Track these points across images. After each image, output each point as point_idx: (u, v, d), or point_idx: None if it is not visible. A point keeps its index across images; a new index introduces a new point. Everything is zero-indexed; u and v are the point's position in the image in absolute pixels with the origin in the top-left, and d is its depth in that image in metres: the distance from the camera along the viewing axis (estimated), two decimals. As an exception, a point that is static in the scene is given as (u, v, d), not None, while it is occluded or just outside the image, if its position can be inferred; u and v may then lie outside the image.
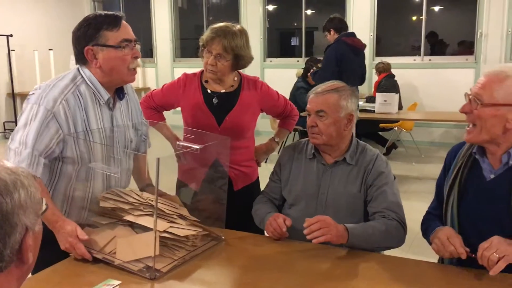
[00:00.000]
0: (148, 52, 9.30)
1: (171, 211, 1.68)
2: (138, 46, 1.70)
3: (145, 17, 9.04)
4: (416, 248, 1.68)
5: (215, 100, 2.17)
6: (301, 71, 6.45)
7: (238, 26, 2.15)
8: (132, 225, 1.64)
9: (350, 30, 5.06)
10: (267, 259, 1.63)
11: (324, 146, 1.91)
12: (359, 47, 5.19)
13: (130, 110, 1.86)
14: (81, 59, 1.67)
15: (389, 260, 1.64)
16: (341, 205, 1.86)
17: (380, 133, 6.55)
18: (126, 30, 1.67)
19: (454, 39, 7.82)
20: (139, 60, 1.70)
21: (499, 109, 1.47)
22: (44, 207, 0.85)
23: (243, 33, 2.14)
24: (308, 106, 1.90)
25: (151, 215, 1.61)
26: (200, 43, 2.16)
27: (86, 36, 1.62)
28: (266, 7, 8.23)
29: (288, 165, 1.99)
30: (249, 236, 1.85)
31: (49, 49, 7.77)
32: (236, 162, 2.20)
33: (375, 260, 1.61)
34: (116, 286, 1.42)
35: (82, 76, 1.68)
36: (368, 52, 7.33)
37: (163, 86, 2.31)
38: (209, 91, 2.19)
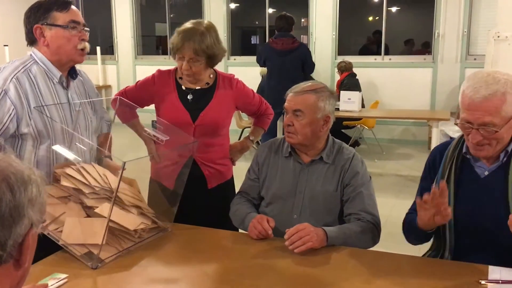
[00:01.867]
0: (108, 49, 9.10)
1: (128, 201, 1.70)
2: (86, 31, 1.81)
3: (106, 14, 8.84)
4: (382, 242, 1.76)
5: (190, 97, 2.16)
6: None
7: (205, 23, 2.11)
8: (83, 204, 1.65)
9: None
10: (212, 250, 1.70)
11: (299, 146, 1.92)
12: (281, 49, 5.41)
13: (86, 91, 1.97)
14: (30, 38, 1.79)
15: (362, 254, 1.70)
16: (318, 204, 1.89)
17: (343, 130, 6.68)
18: (75, 13, 1.79)
19: (413, 39, 8.05)
20: (87, 43, 1.81)
21: (510, 123, 1.49)
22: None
23: (211, 30, 2.10)
24: (286, 104, 1.90)
25: (108, 199, 1.64)
26: (170, 47, 2.13)
27: (36, 16, 1.74)
28: (229, 5, 8.22)
29: (265, 163, 2.00)
30: (197, 229, 1.90)
31: (4, 45, 7.48)
32: (210, 160, 2.19)
33: (348, 254, 1.66)
34: (63, 279, 1.43)
35: (34, 58, 1.77)
36: (331, 51, 7.48)
37: (137, 82, 2.29)
38: (183, 87, 2.18)
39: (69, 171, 1.68)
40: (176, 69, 2.21)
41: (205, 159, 2.16)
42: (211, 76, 2.21)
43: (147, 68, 2.03)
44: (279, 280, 1.49)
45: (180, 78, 2.19)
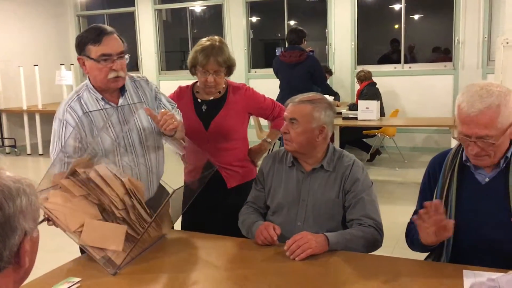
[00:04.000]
0: (134, 65, 9.36)
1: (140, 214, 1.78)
2: (120, 60, 1.90)
3: (130, 31, 9.11)
4: (400, 250, 1.77)
5: (204, 107, 2.37)
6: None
7: (217, 38, 2.35)
8: (100, 206, 1.73)
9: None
10: (218, 257, 1.79)
11: (297, 154, 1.99)
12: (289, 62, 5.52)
13: (143, 101, 2.07)
14: (80, 65, 1.96)
15: (362, 258, 1.74)
16: (321, 211, 1.94)
17: (364, 139, 6.69)
18: (107, 45, 1.88)
19: (433, 46, 8.02)
20: (120, 72, 1.91)
21: (506, 133, 1.53)
22: (41, 217, 0.93)
23: (224, 43, 2.35)
24: (284, 113, 2.01)
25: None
26: (190, 65, 2.34)
27: (78, 48, 1.92)
28: (250, 18, 8.36)
29: (270, 173, 2.07)
30: (205, 236, 1.99)
31: (34, 65, 7.79)
32: (226, 162, 2.35)
33: (348, 258, 1.71)
34: (77, 283, 1.52)
35: (86, 84, 1.99)
36: (350, 61, 7.51)
37: None
38: (199, 100, 2.40)
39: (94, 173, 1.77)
40: (194, 84, 2.43)
41: (221, 162, 2.33)
42: (224, 86, 2.41)
43: (171, 83, 2.18)
44: (282, 285, 1.54)
45: (197, 92, 2.41)
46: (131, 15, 9.02)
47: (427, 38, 8.40)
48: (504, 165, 1.59)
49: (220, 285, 1.57)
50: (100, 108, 1.94)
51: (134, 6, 8.92)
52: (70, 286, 1.50)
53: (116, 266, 1.61)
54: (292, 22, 8.47)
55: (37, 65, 7.79)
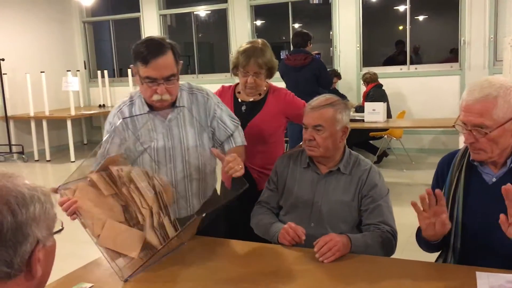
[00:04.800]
0: (139, 70, 9.39)
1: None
2: (166, 84, 1.82)
3: (136, 36, 9.15)
4: (408, 252, 1.77)
5: (243, 108, 2.41)
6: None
7: (260, 41, 2.39)
8: (125, 208, 1.72)
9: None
10: (233, 260, 1.76)
11: (321, 158, 2.00)
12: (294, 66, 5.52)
13: (195, 119, 2.00)
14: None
15: (373, 260, 1.73)
16: (335, 213, 1.95)
17: (371, 141, 6.67)
18: (155, 69, 1.80)
19: (439, 47, 8.00)
20: (165, 96, 1.84)
21: (504, 127, 1.53)
22: (59, 227, 0.92)
23: (267, 46, 2.39)
24: (304, 120, 1.99)
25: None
26: (232, 65, 2.40)
27: (132, 57, 1.86)
28: (254, 22, 8.38)
29: (284, 173, 2.08)
30: (216, 241, 1.96)
31: (41, 72, 7.84)
32: (259, 165, 2.37)
33: (370, 263, 1.71)
34: None
35: (139, 93, 1.96)
36: (355, 63, 7.50)
37: None
38: (239, 100, 2.46)
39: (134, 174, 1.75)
40: (236, 85, 2.48)
41: (254, 164, 2.35)
42: (265, 88, 2.45)
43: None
44: (290, 285, 1.54)
45: (239, 92, 2.46)
46: (136, 21, 9.06)
47: (432, 39, 8.38)
48: (511, 164, 1.59)
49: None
50: (148, 120, 1.93)
51: (139, 11, 8.96)
52: (83, 292, 1.50)
53: (128, 274, 1.60)
54: (296, 25, 8.48)
55: (43, 72, 7.84)
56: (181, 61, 1.91)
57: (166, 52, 1.81)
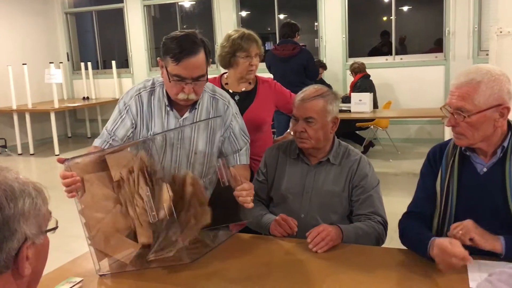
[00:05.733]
0: (124, 62, 9.29)
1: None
2: (194, 85, 1.77)
3: (120, 28, 9.04)
4: (396, 241, 1.78)
5: (237, 98, 2.40)
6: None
7: (246, 30, 2.45)
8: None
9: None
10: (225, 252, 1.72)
11: (311, 149, 1.98)
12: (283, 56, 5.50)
13: (210, 126, 1.93)
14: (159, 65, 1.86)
15: (367, 250, 1.75)
16: (325, 204, 1.95)
17: (357, 132, 6.70)
18: (185, 68, 1.73)
19: (424, 37, 8.04)
20: (191, 95, 1.78)
21: (485, 113, 1.53)
22: (53, 225, 0.89)
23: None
24: (295, 112, 1.96)
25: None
26: (229, 54, 2.40)
27: (161, 50, 1.79)
28: (240, 13, 8.32)
29: (273, 165, 2.07)
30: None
31: (23, 64, 7.70)
32: (255, 154, 2.35)
33: (362, 252, 1.72)
34: (78, 283, 1.50)
35: (162, 81, 1.90)
36: (341, 54, 7.52)
37: None
38: (231, 91, 2.45)
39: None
40: (220, 76, 2.51)
41: (251, 153, 2.30)
42: (254, 78, 2.49)
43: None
44: (284, 276, 1.54)
45: (226, 84, 2.48)
46: (120, 12, 8.94)
47: (417, 30, 8.42)
48: (501, 154, 1.60)
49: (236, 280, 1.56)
50: (163, 113, 1.88)
51: (122, 2, 8.84)
52: (71, 286, 1.48)
53: (104, 270, 1.59)
54: (282, 16, 8.44)
55: (25, 64, 7.70)
56: (211, 59, 1.84)
57: (199, 52, 1.74)
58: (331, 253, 1.70)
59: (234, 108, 2.01)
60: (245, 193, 1.71)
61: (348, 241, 1.78)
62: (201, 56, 1.75)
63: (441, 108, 1.63)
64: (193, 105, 1.90)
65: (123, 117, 1.88)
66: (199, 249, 1.65)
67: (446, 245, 1.45)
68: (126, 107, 1.89)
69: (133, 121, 1.88)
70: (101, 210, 1.59)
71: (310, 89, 1.98)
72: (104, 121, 9.20)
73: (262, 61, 2.54)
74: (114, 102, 9.03)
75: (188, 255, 1.56)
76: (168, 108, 1.89)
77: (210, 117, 1.94)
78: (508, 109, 1.55)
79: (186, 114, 1.91)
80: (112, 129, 1.87)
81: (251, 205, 1.72)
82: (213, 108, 1.96)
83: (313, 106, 1.92)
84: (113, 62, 8.94)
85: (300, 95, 1.98)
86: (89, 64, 9.04)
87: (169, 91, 1.84)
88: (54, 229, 0.89)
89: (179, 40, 1.73)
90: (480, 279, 1.39)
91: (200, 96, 1.87)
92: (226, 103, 1.98)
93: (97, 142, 1.88)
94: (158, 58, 1.84)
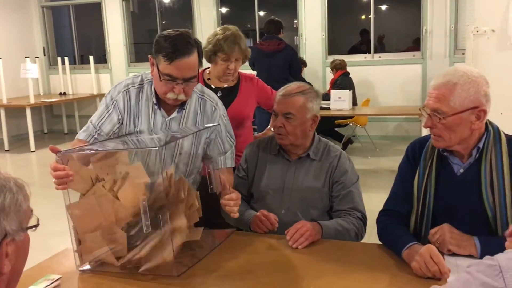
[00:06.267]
0: (102, 58, 9.16)
1: None
2: (185, 85, 1.75)
3: (97, 23, 8.91)
4: (375, 237, 1.80)
5: (219, 94, 2.38)
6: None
7: (233, 28, 2.42)
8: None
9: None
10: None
11: (290, 146, 1.99)
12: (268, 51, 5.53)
13: (197, 125, 1.94)
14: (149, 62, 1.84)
15: (346, 246, 1.77)
16: (305, 199, 1.96)
17: (336, 129, 6.76)
18: (178, 69, 1.71)
19: (402, 36, 8.14)
20: (180, 96, 1.77)
21: (461, 116, 1.53)
22: (34, 222, 0.87)
23: (239, 30, 2.43)
24: (275, 107, 1.97)
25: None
26: (210, 52, 2.38)
27: (153, 47, 1.77)
28: (220, 9, 8.29)
29: (253, 161, 2.07)
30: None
31: (-2, 58, 7.53)
32: (237, 149, 2.31)
33: (341, 248, 1.73)
34: (57, 280, 1.48)
35: (150, 79, 1.87)
36: (321, 51, 7.56)
37: None
38: (213, 86, 2.45)
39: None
40: (203, 72, 2.50)
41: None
42: (236, 74, 2.49)
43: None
44: (265, 272, 1.55)
45: (209, 79, 2.47)
46: (98, 6, 8.81)
47: (396, 28, 8.52)
48: (477, 155, 1.61)
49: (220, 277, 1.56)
50: (150, 110, 1.86)
51: (100, -4, 8.72)
52: (50, 284, 1.45)
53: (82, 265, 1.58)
54: (262, 13, 8.44)
55: (0, 58, 7.52)
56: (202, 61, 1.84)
57: (192, 53, 1.73)
58: (312, 248, 1.71)
59: (221, 110, 2.00)
60: (232, 203, 1.73)
61: (328, 236, 1.79)
62: (194, 57, 1.74)
63: (420, 109, 1.64)
64: (181, 105, 1.88)
65: (110, 112, 1.85)
66: (187, 259, 1.61)
67: (434, 254, 1.44)
68: (113, 102, 1.86)
69: (120, 117, 1.86)
70: (95, 221, 1.56)
71: (292, 86, 1.99)
72: (82, 117, 9.08)
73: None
74: (92, 98, 8.95)
75: (176, 268, 1.52)
76: (156, 107, 1.86)
77: (198, 118, 1.93)
78: (484, 111, 1.55)
79: (174, 114, 1.89)
80: (98, 124, 1.84)
81: (236, 215, 1.74)
82: (200, 109, 1.95)
83: (293, 102, 1.93)
84: (91, 57, 8.80)
85: (282, 90, 1.98)
86: (66, 59, 8.89)
87: (158, 89, 1.81)
88: (35, 226, 0.87)
89: (173, 39, 1.71)
90: (457, 273, 1.44)
91: (189, 97, 1.86)
92: (214, 105, 1.97)
93: (81, 135, 1.85)
94: (149, 55, 1.79)
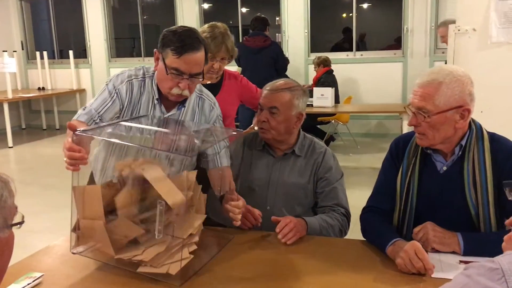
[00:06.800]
0: (82, 52, 9.02)
1: None
2: (190, 81, 1.74)
3: (78, 17, 8.76)
4: (357, 233, 1.81)
5: None
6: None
7: (222, 26, 2.38)
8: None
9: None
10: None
11: (273, 141, 1.99)
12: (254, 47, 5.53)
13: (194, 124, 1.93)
14: (154, 56, 1.81)
15: (330, 242, 1.77)
16: (290, 195, 1.96)
17: (318, 126, 6.78)
18: (186, 63, 1.71)
19: (383, 35, 8.21)
20: (185, 91, 1.75)
21: (445, 115, 1.54)
22: (19, 219, 0.84)
23: (228, 29, 2.39)
24: (261, 101, 1.97)
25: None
26: None
27: (160, 41, 1.75)
28: (202, 5, 8.24)
29: (238, 157, 2.06)
30: None
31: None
32: None
33: (326, 244, 1.74)
34: (39, 278, 1.45)
35: (153, 73, 1.84)
36: (304, 49, 7.58)
37: None
38: None
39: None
40: None
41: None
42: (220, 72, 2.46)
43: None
44: (249, 268, 1.55)
45: None
46: (78, 0, 8.66)
47: (377, 27, 8.59)
48: (459, 153, 1.63)
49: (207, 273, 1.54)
50: (150, 105, 1.83)
51: (80, -10, 8.58)
52: (32, 281, 1.42)
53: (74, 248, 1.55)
54: (244, 10, 8.42)
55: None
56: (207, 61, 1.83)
57: (200, 49, 1.73)
58: (296, 245, 1.71)
59: (218, 110, 2.00)
60: (237, 211, 1.76)
61: (313, 232, 1.80)
62: (201, 53, 1.74)
63: (405, 107, 1.65)
64: (181, 102, 1.87)
65: (114, 100, 1.80)
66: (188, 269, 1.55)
67: (419, 250, 1.45)
68: (116, 91, 1.81)
69: (121, 106, 1.82)
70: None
71: (280, 81, 1.99)
72: (61, 112, 8.94)
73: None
74: (72, 93, 8.81)
75: (178, 277, 1.45)
76: (156, 102, 1.84)
77: (195, 116, 1.92)
78: (469, 111, 1.56)
79: (173, 111, 1.87)
80: (100, 111, 1.78)
81: (239, 222, 1.77)
82: (199, 107, 1.94)
83: (279, 97, 1.93)
84: (71, 52, 8.66)
85: (269, 85, 1.99)
86: (45, 53, 8.73)
87: (163, 84, 1.78)
88: (20, 223, 0.85)
89: (182, 34, 1.72)
90: (441, 269, 1.45)
91: (192, 94, 1.85)
92: (212, 104, 1.97)
93: (83, 117, 1.76)
94: (154, 49, 1.78)
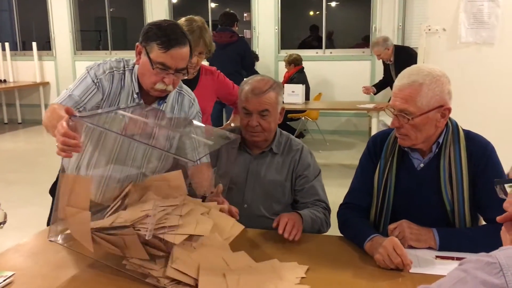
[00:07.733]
0: (45, 45, 8.76)
1: None
2: (175, 76, 1.71)
3: (41, 7, 8.49)
4: (333, 229, 1.83)
5: None
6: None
7: (199, 19, 2.35)
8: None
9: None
10: None
11: (263, 142, 1.97)
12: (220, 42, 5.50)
13: (172, 122, 1.87)
14: (135, 51, 1.76)
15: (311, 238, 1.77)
16: (268, 194, 1.95)
17: (288, 123, 6.82)
18: (172, 58, 1.67)
19: (352, 33, 8.32)
20: (169, 87, 1.71)
21: (428, 115, 1.56)
22: (1, 218, 0.81)
23: (205, 23, 2.36)
24: (247, 105, 1.91)
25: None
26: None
27: (143, 35, 1.70)
28: (171, -1, 8.14)
29: (215, 156, 2.04)
30: None
31: None
32: None
33: (306, 240, 1.73)
34: (10, 277, 1.41)
35: (132, 66, 1.79)
36: (274, 45, 7.59)
37: None
38: None
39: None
40: None
41: None
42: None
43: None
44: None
45: None
46: (42, -10, 8.41)
47: (346, 25, 8.69)
48: (436, 150, 1.65)
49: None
50: (129, 100, 1.77)
51: (45, -20, 8.32)
52: (3, 280, 1.36)
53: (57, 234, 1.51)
54: (213, 5, 8.36)
55: None
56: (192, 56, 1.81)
57: (186, 44, 1.70)
58: (274, 241, 1.70)
59: (198, 106, 1.97)
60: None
61: (306, 225, 1.78)
62: (187, 48, 1.71)
63: (384, 109, 1.67)
64: (162, 98, 1.82)
65: (97, 88, 1.74)
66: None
67: (397, 246, 1.46)
68: (98, 80, 1.75)
69: (102, 97, 1.76)
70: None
71: (257, 81, 1.93)
72: (24, 106, 8.66)
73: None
74: (35, 86, 8.55)
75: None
76: (135, 96, 1.78)
77: (175, 112, 1.88)
78: (449, 109, 1.58)
79: (151, 106, 1.82)
80: (83, 99, 1.72)
81: None
82: (178, 103, 1.90)
83: (267, 99, 1.90)
84: (34, 44, 8.40)
85: (248, 87, 1.92)
86: (6, 44, 8.44)
87: (146, 79, 1.73)
88: (3, 223, 0.81)
89: (167, 28, 1.68)
90: (418, 264, 1.48)
91: (175, 89, 1.82)
92: (192, 100, 1.94)
93: (69, 103, 1.69)
94: (137, 43, 1.73)
